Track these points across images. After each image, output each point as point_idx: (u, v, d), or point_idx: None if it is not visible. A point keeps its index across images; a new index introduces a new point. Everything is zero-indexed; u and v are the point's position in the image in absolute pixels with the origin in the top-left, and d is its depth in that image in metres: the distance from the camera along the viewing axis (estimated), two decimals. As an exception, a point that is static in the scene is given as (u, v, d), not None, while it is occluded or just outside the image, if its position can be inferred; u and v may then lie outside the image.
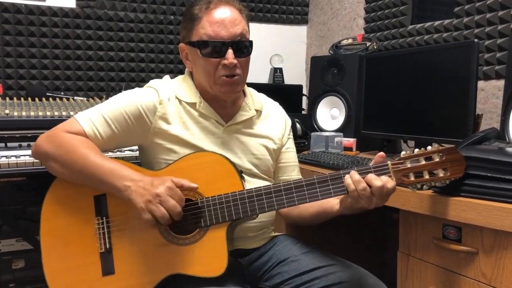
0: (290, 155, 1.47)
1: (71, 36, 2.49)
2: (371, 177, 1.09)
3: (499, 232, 1.08)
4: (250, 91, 1.45)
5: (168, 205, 1.10)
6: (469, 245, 1.16)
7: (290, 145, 1.49)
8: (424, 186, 1.11)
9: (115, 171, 1.17)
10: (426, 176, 1.09)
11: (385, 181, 1.08)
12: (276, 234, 1.44)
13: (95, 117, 1.26)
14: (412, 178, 1.10)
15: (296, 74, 3.08)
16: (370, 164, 1.13)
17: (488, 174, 1.12)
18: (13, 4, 2.36)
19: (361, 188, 1.08)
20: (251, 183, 1.28)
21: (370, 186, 1.08)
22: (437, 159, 1.09)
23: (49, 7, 2.44)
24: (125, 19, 2.61)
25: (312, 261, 1.27)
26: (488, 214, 1.08)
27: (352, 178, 1.10)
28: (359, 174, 1.10)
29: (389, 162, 1.11)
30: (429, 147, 1.10)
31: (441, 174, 1.09)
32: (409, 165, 1.10)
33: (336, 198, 1.20)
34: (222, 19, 1.26)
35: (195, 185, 1.16)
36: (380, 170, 1.11)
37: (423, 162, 1.10)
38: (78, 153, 1.19)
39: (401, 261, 1.36)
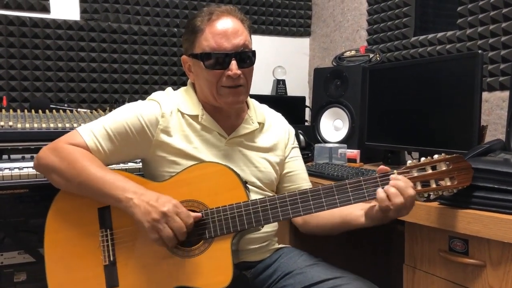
0: (295, 164, 1.45)
1: (75, 48, 2.50)
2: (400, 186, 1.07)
3: (506, 245, 1.07)
4: (253, 103, 1.45)
5: (174, 225, 1.10)
6: (476, 257, 1.14)
7: (295, 154, 1.47)
8: (431, 196, 1.10)
9: (116, 183, 1.16)
10: (433, 185, 1.08)
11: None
12: (280, 246, 1.42)
13: (97, 130, 1.26)
14: (419, 188, 1.09)
15: (299, 86, 3.09)
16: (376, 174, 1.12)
17: (495, 186, 1.11)
18: (17, 17, 2.38)
19: (399, 201, 1.06)
20: (255, 196, 1.27)
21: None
22: (444, 168, 1.08)
23: (54, 20, 2.45)
24: (128, 32, 2.63)
25: (318, 274, 1.25)
26: (495, 226, 1.07)
27: (387, 192, 1.08)
28: (363, 183, 1.10)
29: (395, 171, 1.10)
30: (435, 156, 1.09)
31: (448, 183, 1.07)
32: (415, 174, 1.09)
33: (360, 209, 1.20)
34: (224, 30, 1.26)
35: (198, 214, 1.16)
36: (385, 180, 1.10)
37: (430, 171, 1.08)
38: (80, 165, 1.19)
39: (407, 274, 1.35)
